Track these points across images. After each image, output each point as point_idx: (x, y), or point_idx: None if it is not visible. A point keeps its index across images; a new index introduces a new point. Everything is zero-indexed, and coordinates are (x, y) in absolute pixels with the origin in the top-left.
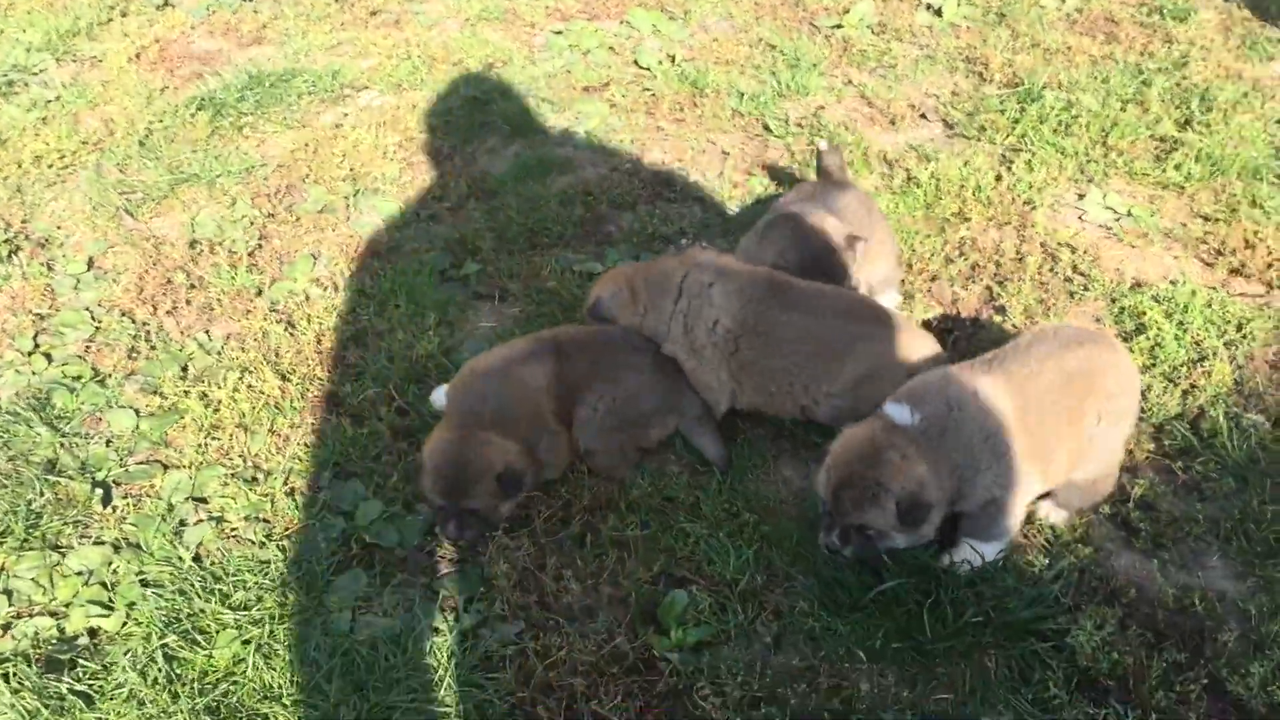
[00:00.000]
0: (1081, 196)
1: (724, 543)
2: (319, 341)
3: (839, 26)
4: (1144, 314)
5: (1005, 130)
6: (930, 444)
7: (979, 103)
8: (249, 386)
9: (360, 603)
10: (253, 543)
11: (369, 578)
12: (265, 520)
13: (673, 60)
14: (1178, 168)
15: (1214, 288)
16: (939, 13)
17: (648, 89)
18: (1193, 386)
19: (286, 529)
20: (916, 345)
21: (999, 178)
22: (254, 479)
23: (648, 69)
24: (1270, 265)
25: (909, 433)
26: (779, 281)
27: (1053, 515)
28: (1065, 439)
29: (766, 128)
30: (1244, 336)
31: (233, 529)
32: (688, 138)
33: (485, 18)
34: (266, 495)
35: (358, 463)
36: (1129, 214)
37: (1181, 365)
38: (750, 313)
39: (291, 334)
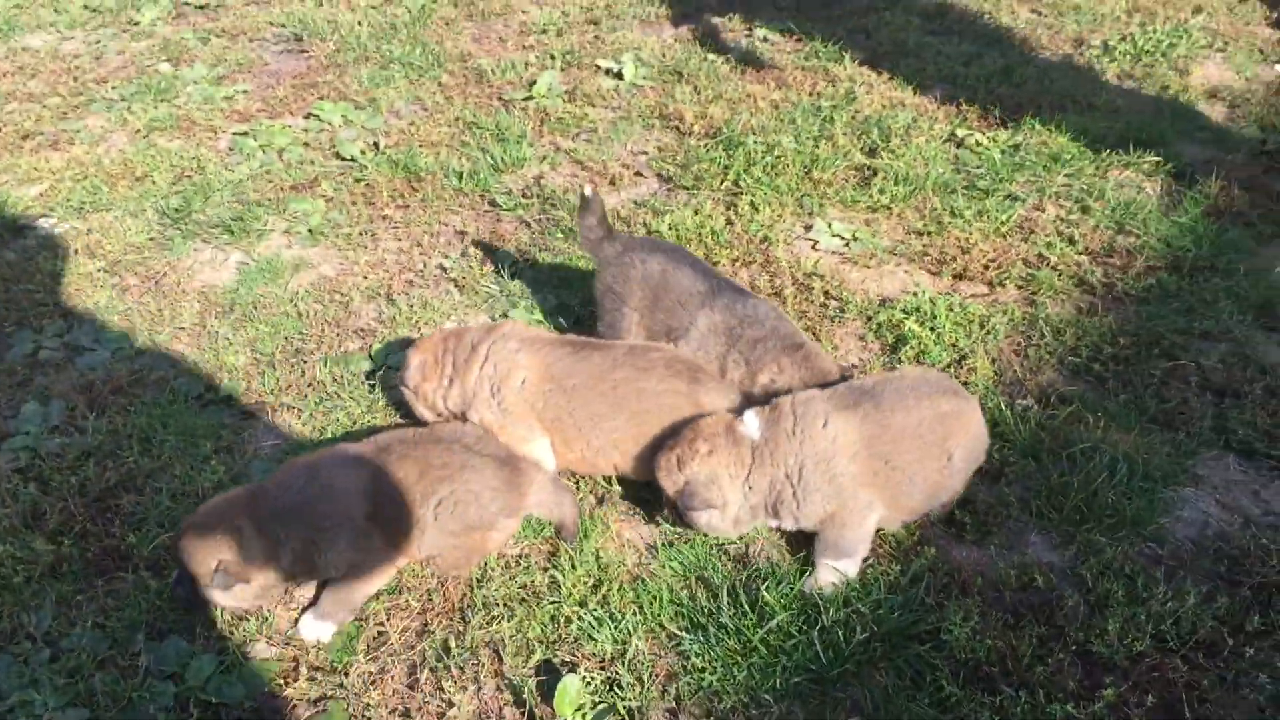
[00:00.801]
0: (809, 228)
1: (595, 617)
2: (82, 493)
3: (530, 98)
4: (900, 325)
5: (719, 177)
6: (761, 457)
7: (687, 154)
8: (13, 557)
9: None
10: None
11: None
12: (83, 706)
13: (376, 148)
14: (881, 192)
15: (947, 294)
16: (619, 75)
17: (360, 179)
18: (964, 384)
19: (109, 709)
20: (713, 400)
21: (729, 221)
22: (54, 659)
23: (352, 160)
24: (986, 267)
25: (745, 440)
26: (579, 342)
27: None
28: (928, 471)
29: (493, 203)
30: (988, 333)
31: None
32: (417, 222)
33: (157, 128)
34: (73, 678)
35: (172, 618)
36: (855, 238)
37: (948, 367)
38: (554, 367)
39: (45, 491)
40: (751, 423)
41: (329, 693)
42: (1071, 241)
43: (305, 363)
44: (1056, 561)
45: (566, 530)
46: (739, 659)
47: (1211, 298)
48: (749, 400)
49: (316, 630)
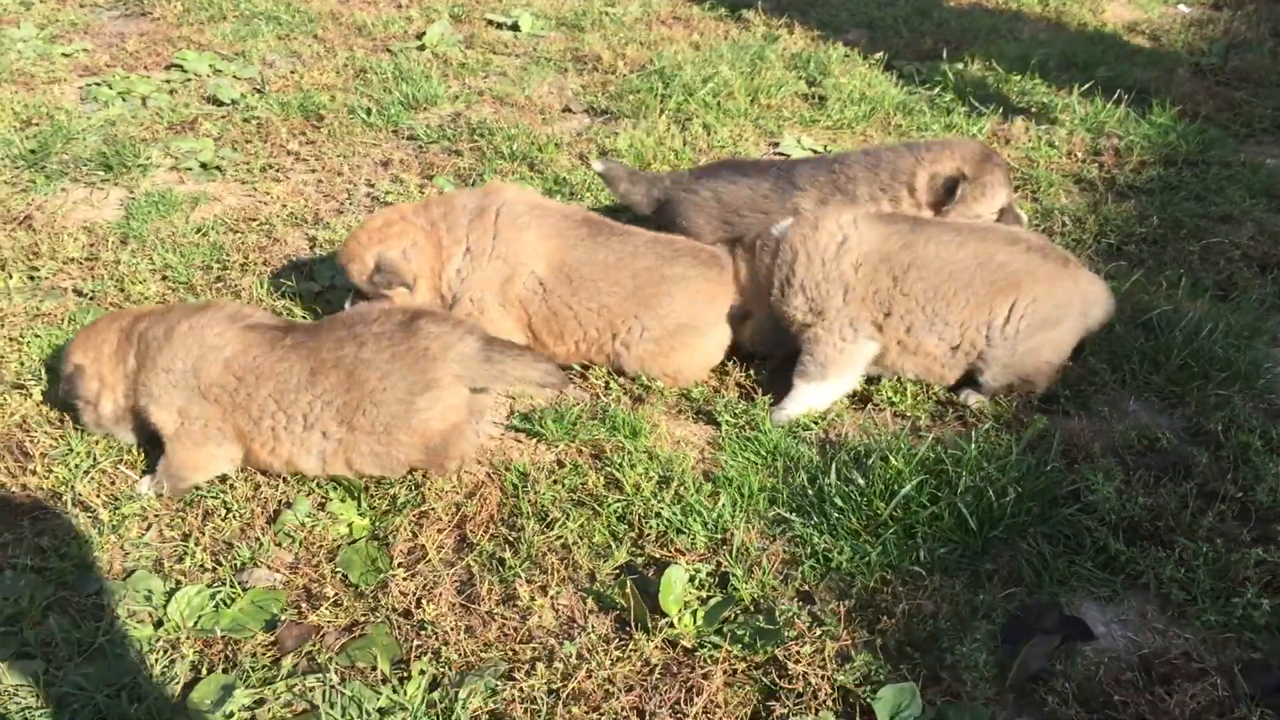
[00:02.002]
0: (775, 145)
1: (681, 509)
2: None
3: (422, 47)
4: None
5: (658, 106)
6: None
7: (620, 86)
8: None
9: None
10: None
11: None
12: (34, 657)
13: (260, 93)
14: (841, 112)
15: None
16: (516, 28)
17: (248, 119)
18: None
19: (72, 659)
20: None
21: (685, 143)
22: None
23: (233, 103)
24: None
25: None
26: (596, 222)
27: (970, 398)
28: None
29: (413, 136)
30: None
31: None
32: (329, 155)
33: None
34: (13, 626)
35: (136, 555)
36: (828, 149)
37: None
38: (568, 255)
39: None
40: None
41: (362, 617)
42: (1052, 145)
43: (234, 287)
44: (1169, 423)
45: (546, 388)
46: (868, 536)
47: (1216, 186)
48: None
49: (141, 487)
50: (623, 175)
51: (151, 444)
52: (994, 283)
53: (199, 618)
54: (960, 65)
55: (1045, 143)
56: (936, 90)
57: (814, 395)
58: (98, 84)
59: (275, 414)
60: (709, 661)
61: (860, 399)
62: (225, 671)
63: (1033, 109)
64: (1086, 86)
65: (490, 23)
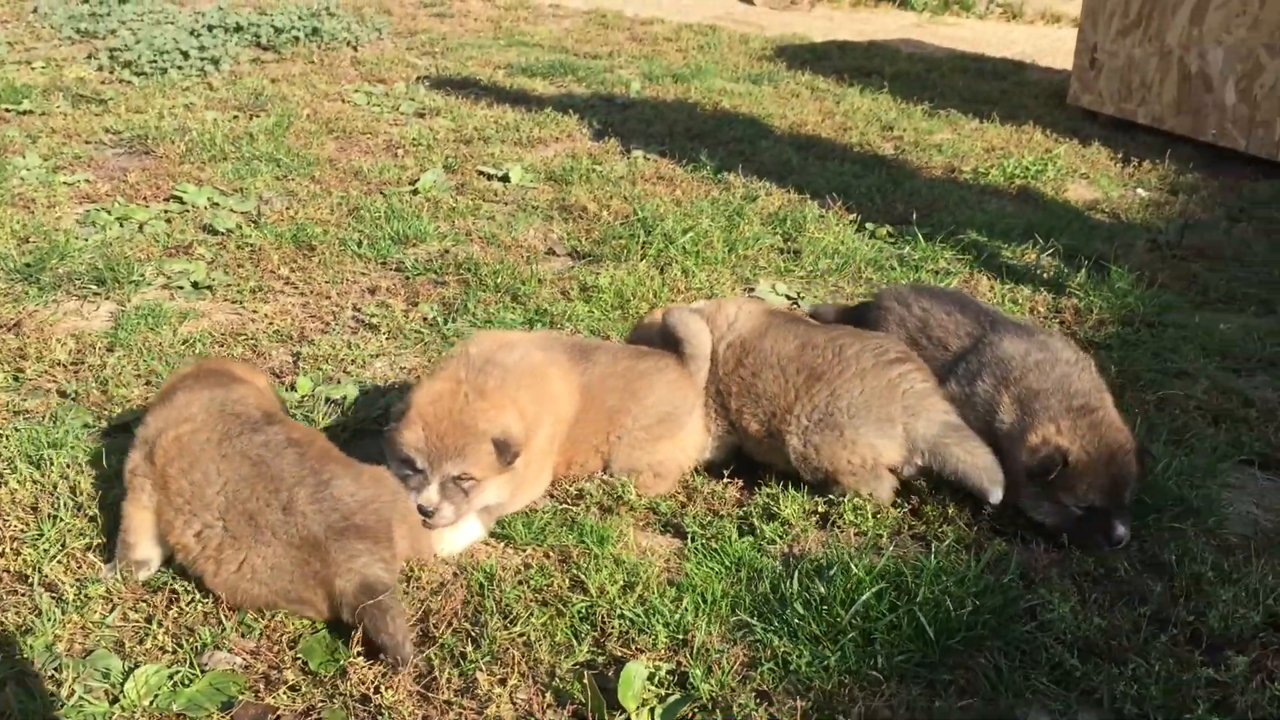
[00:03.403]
0: (752, 290)
1: (644, 610)
2: None
3: (415, 192)
4: None
5: (639, 253)
6: None
7: (604, 233)
8: None
9: None
10: None
11: None
12: None
13: (255, 224)
14: (816, 263)
15: None
16: (506, 179)
17: (242, 246)
18: None
19: None
20: None
21: (664, 284)
22: None
23: (228, 232)
24: None
25: None
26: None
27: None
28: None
29: (400, 268)
30: None
31: None
32: (318, 281)
33: None
34: None
35: (96, 636)
36: (801, 297)
37: None
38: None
39: None
40: None
41: (319, 702)
42: (1015, 303)
43: None
44: (1125, 554)
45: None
46: (827, 642)
47: (1172, 345)
48: None
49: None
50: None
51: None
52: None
53: (155, 696)
54: (929, 229)
55: (1009, 300)
56: (906, 249)
57: None
58: (97, 209)
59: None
60: None
61: (821, 519)
62: None
63: (1000, 271)
64: (1049, 252)
65: (482, 173)
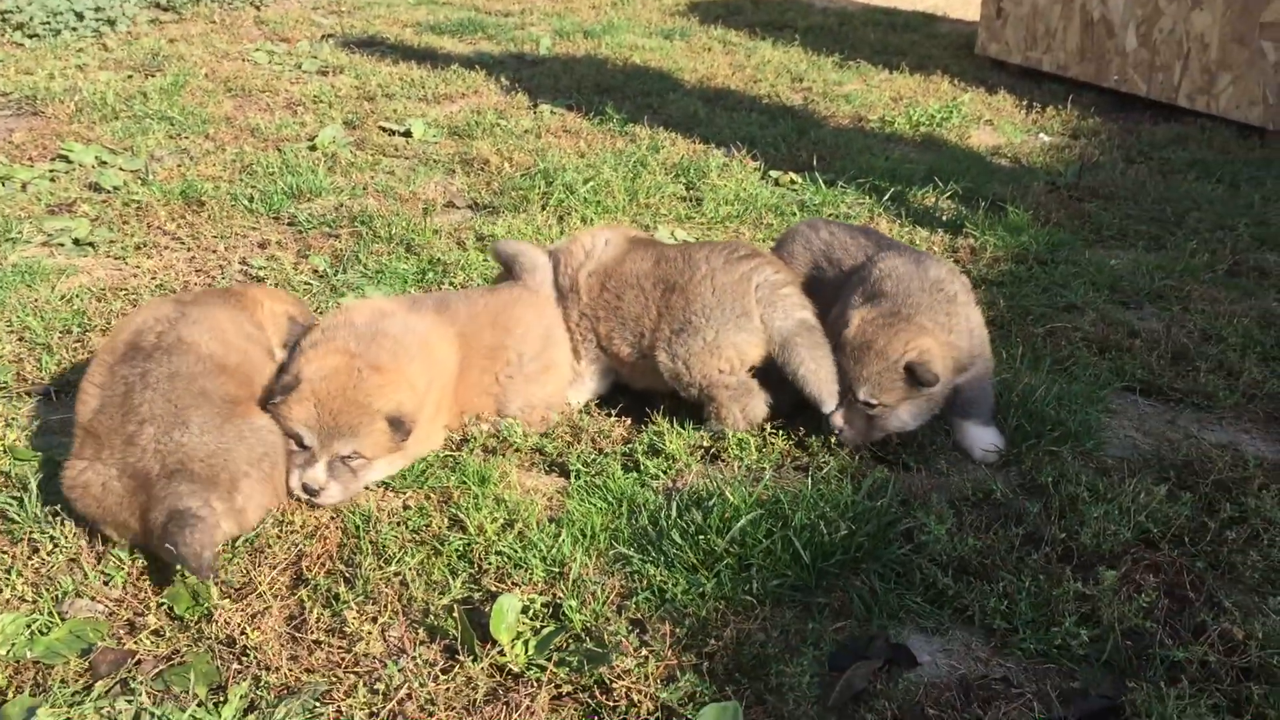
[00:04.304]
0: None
1: (521, 545)
2: None
3: (313, 148)
4: None
5: (539, 203)
6: None
7: (504, 184)
8: None
9: None
10: None
11: None
12: None
13: (143, 182)
14: (717, 209)
15: None
16: (408, 134)
17: (129, 202)
18: None
19: None
20: None
21: (561, 232)
22: None
23: (114, 190)
24: None
25: None
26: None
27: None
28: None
29: (293, 222)
30: None
31: None
32: (206, 235)
33: None
34: None
35: None
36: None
37: None
38: None
39: None
40: None
41: (184, 646)
42: (914, 243)
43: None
44: (1004, 479)
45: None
46: (704, 570)
47: (1063, 281)
48: None
49: None
50: None
51: None
52: None
53: (12, 645)
54: (832, 176)
55: (908, 240)
56: (808, 195)
57: None
58: None
59: None
60: (535, 685)
61: (706, 453)
62: (32, 695)
63: (901, 214)
64: (948, 195)
65: (383, 129)
